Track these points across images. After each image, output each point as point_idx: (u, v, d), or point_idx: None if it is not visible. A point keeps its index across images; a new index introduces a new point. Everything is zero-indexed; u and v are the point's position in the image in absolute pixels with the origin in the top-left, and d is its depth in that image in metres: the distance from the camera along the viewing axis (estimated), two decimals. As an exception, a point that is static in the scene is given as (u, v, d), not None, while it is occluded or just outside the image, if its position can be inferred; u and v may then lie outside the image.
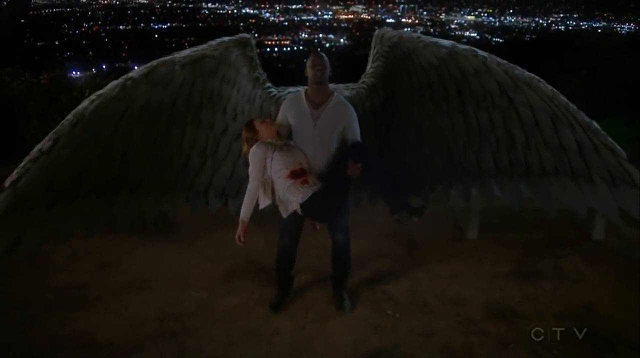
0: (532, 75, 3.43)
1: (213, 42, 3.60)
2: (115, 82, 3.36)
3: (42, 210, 3.30)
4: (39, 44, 68.93)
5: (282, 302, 3.73)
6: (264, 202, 3.34)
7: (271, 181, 3.28)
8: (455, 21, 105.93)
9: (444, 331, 3.47)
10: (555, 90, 3.42)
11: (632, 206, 3.39)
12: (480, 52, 3.48)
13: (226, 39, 3.61)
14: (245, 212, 3.24)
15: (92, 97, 3.30)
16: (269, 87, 3.72)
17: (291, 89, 3.73)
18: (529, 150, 3.64)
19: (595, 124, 3.42)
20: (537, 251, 4.54)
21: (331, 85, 3.55)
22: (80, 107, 3.27)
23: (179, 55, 3.52)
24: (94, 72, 7.74)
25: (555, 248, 4.59)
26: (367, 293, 3.89)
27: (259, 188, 3.29)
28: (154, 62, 3.45)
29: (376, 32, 3.77)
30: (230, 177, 3.86)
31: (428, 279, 4.12)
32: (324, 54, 3.33)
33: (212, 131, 3.79)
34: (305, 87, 3.43)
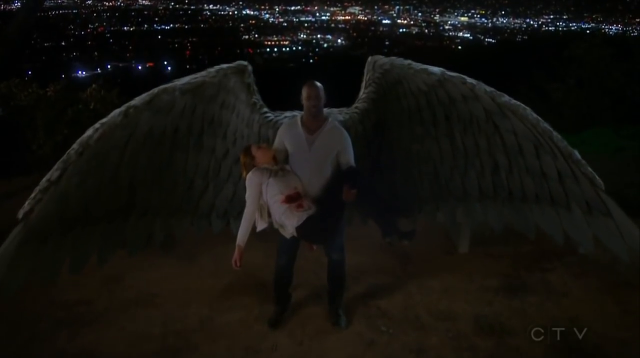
0: (517, 103, 3.55)
1: (212, 70, 3.72)
2: (118, 111, 3.44)
3: (57, 239, 3.38)
4: (46, 44, 69.23)
5: (281, 318, 3.89)
6: (261, 225, 3.49)
7: (267, 205, 3.43)
8: (449, 22, 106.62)
9: (435, 347, 3.63)
10: (539, 118, 3.51)
11: (606, 235, 3.48)
12: (469, 80, 3.60)
13: (224, 66, 3.73)
14: (241, 237, 3.38)
15: (96, 125, 3.37)
16: (266, 112, 3.88)
17: (287, 114, 3.88)
18: (512, 176, 3.78)
19: (577, 153, 3.48)
20: (525, 264, 4.71)
21: (326, 110, 3.68)
22: (85, 135, 3.34)
23: (179, 82, 3.63)
24: (100, 83, 7.81)
25: (542, 261, 4.77)
26: (362, 309, 4.06)
27: (256, 212, 3.45)
28: (155, 90, 3.55)
29: (369, 59, 3.91)
30: (231, 199, 4.02)
31: (420, 294, 4.28)
32: (318, 84, 3.44)
33: (213, 155, 3.94)
34: (302, 111, 3.58)
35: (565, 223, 3.66)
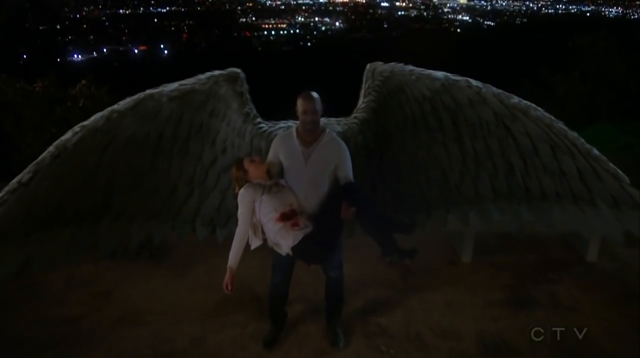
0: (528, 103, 3.44)
1: (202, 76, 3.57)
2: (100, 114, 3.33)
3: (20, 239, 3.28)
4: (40, 27, 68.43)
5: (276, 338, 3.72)
6: (255, 243, 3.30)
7: (261, 224, 3.25)
8: (448, 5, 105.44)
9: (438, 369, 3.47)
10: (552, 117, 3.42)
11: (636, 228, 3.41)
12: (475, 83, 3.47)
13: (216, 73, 3.58)
14: (233, 259, 3.18)
15: (76, 128, 3.26)
16: (259, 123, 3.70)
17: (282, 124, 3.70)
18: (528, 176, 3.65)
19: (595, 150, 3.40)
20: (531, 275, 4.54)
21: (323, 120, 3.51)
22: (63, 138, 3.24)
23: (166, 88, 3.49)
24: (90, 79, 7.54)
25: (548, 271, 4.60)
26: (361, 327, 3.88)
27: (249, 231, 3.26)
28: (141, 95, 3.43)
29: (367, 66, 3.74)
30: (218, 207, 3.85)
31: (422, 309, 4.11)
32: (315, 96, 3.25)
33: (200, 162, 3.78)
34: (297, 122, 3.39)
35: (591, 219, 3.55)
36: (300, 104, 3.21)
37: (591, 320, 3.93)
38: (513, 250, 4.88)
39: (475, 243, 4.76)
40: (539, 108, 3.43)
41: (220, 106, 3.66)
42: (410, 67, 3.63)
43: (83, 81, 7.44)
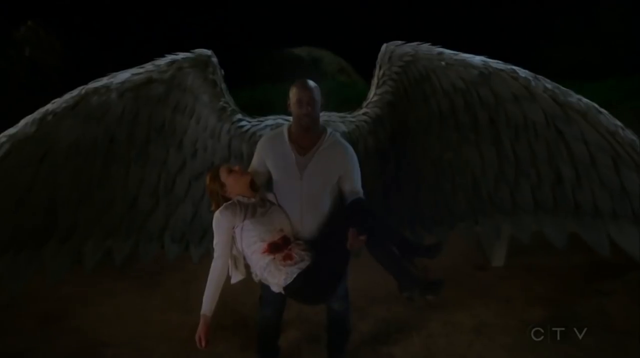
0: (590, 103, 2.79)
1: (161, 62, 2.89)
2: (30, 118, 2.74)
3: None
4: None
5: (266, 378, 3.09)
6: (236, 277, 2.62)
7: (243, 255, 2.54)
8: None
9: None
10: (619, 123, 2.74)
11: None
12: (523, 73, 2.78)
13: (179, 56, 2.91)
14: (208, 304, 2.49)
15: (2, 138, 2.69)
16: (239, 120, 3.01)
17: (270, 122, 3.02)
18: (580, 189, 3.00)
19: None
20: (577, 285, 3.79)
21: (322, 116, 2.80)
22: None
23: (115, 80, 2.82)
24: (37, 21, 6.29)
25: (598, 280, 3.87)
26: (371, 359, 3.21)
27: (227, 266, 2.53)
28: (82, 90, 2.79)
29: (383, 47, 3.03)
30: (191, 221, 3.21)
31: (445, 335, 3.41)
32: (312, 84, 2.54)
33: (164, 168, 3.15)
34: (290, 119, 2.69)
35: None
36: (293, 93, 2.52)
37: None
38: (553, 250, 4.08)
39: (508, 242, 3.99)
40: (604, 110, 2.81)
41: (187, 99, 2.98)
42: (439, 48, 2.94)
43: (29, 22, 6.26)
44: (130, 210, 3.15)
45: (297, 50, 10.75)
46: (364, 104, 3.09)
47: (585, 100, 2.78)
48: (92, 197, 3.05)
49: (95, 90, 2.80)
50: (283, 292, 2.49)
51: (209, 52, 2.95)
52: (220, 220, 2.48)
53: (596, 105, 2.78)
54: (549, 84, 2.80)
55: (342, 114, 3.05)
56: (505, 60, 2.87)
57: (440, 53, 2.93)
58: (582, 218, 3.05)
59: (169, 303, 3.78)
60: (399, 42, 2.98)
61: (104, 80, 2.83)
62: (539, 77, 2.82)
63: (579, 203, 3.02)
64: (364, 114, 3.06)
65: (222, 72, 3.00)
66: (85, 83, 2.81)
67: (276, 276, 2.43)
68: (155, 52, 2.94)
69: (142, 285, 3.94)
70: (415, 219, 3.18)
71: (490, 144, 3.05)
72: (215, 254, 2.50)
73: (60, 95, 2.80)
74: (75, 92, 2.77)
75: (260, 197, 2.60)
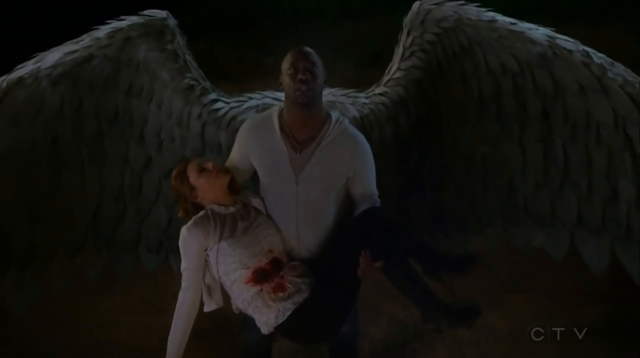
0: None
1: (101, 32, 2.39)
2: None
3: None
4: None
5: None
6: (210, 306, 2.14)
7: (220, 283, 2.06)
8: None
9: None
10: None
11: None
12: (598, 59, 2.34)
13: (124, 23, 2.40)
14: (175, 348, 2.04)
15: None
16: (213, 101, 2.47)
17: (254, 101, 2.50)
18: (638, 212, 2.58)
19: None
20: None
21: (325, 95, 2.26)
22: None
23: (43, 64, 2.33)
24: None
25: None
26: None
27: (199, 297, 2.06)
28: (3, 83, 2.30)
29: (414, 6, 2.49)
30: (167, 226, 2.80)
31: (476, 343, 2.99)
32: (311, 50, 2.02)
33: (126, 167, 2.74)
34: (281, 96, 2.23)
35: None
36: (287, 60, 2.01)
37: None
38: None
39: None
40: None
41: (142, 79, 2.49)
42: (492, 13, 2.42)
43: None
44: (95, 220, 2.78)
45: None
46: (383, 79, 2.55)
47: None
48: (45, 211, 2.67)
49: (20, 81, 2.32)
50: (275, 331, 2.02)
51: (163, 13, 2.42)
52: (187, 242, 1.97)
53: None
54: (629, 76, 2.30)
55: (352, 93, 2.53)
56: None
57: (493, 20, 2.38)
58: (630, 245, 2.64)
59: (147, 309, 3.41)
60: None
61: (30, 66, 2.32)
62: (618, 64, 2.32)
63: (632, 229, 2.60)
64: (382, 93, 2.52)
65: (185, 38, 2.48)
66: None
67: (264, 313, 1.95)
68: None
69: (117, 289, 3.52)
70: (437, 225, 2.77)
71: (537, 141, 2.60)
72: (184, 284, 2.01)
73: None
74: None
75: (242, 202, 2.05)
